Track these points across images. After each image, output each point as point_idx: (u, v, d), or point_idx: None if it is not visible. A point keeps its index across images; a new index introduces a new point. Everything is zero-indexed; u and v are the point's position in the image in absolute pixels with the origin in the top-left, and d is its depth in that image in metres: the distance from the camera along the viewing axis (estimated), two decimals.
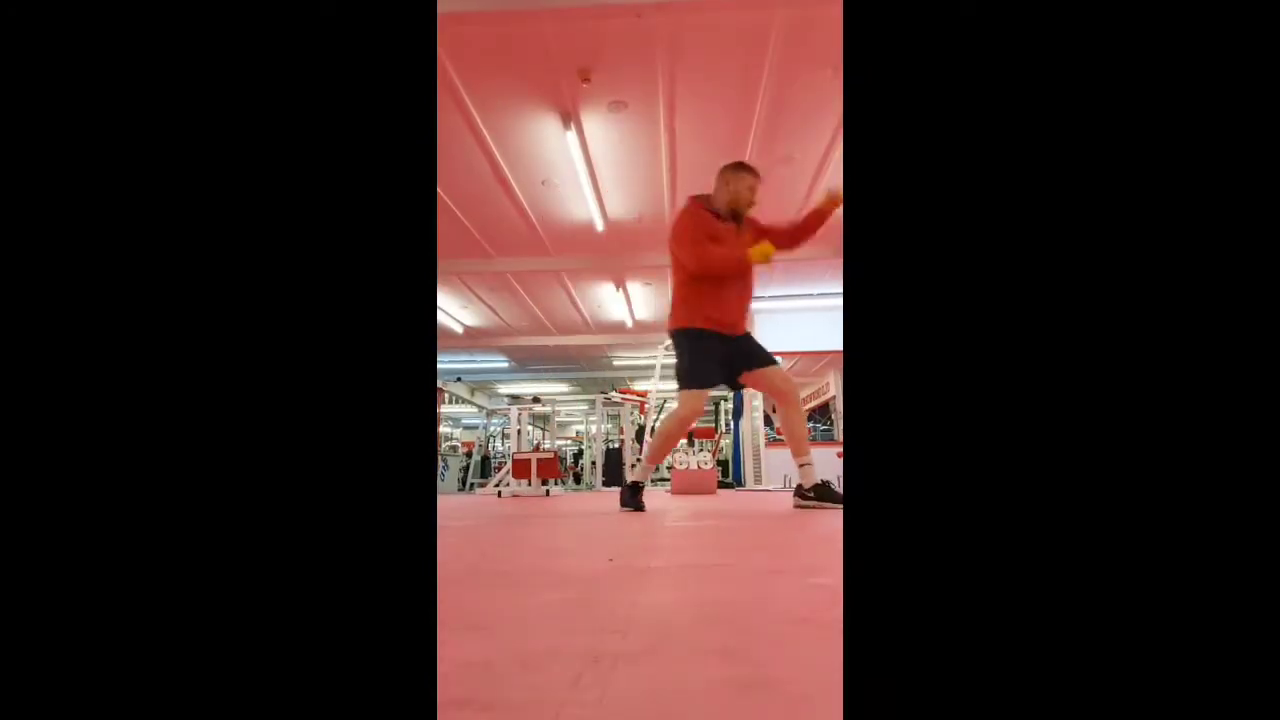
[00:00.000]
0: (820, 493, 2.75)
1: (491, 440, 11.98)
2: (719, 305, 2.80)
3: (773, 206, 4.32)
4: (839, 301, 8.32)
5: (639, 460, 2.88)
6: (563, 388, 16.02)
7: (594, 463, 9.29)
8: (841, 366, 8.06)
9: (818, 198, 2.77)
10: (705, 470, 5.76)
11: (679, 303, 2.84)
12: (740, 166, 2.85)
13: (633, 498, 2.91)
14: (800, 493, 2.81)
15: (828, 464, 5.05)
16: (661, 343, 8.30)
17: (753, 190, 2.82)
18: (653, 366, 7.48)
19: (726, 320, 2.81)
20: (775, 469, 6.97)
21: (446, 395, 13.15)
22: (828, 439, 7.93)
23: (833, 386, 8.18)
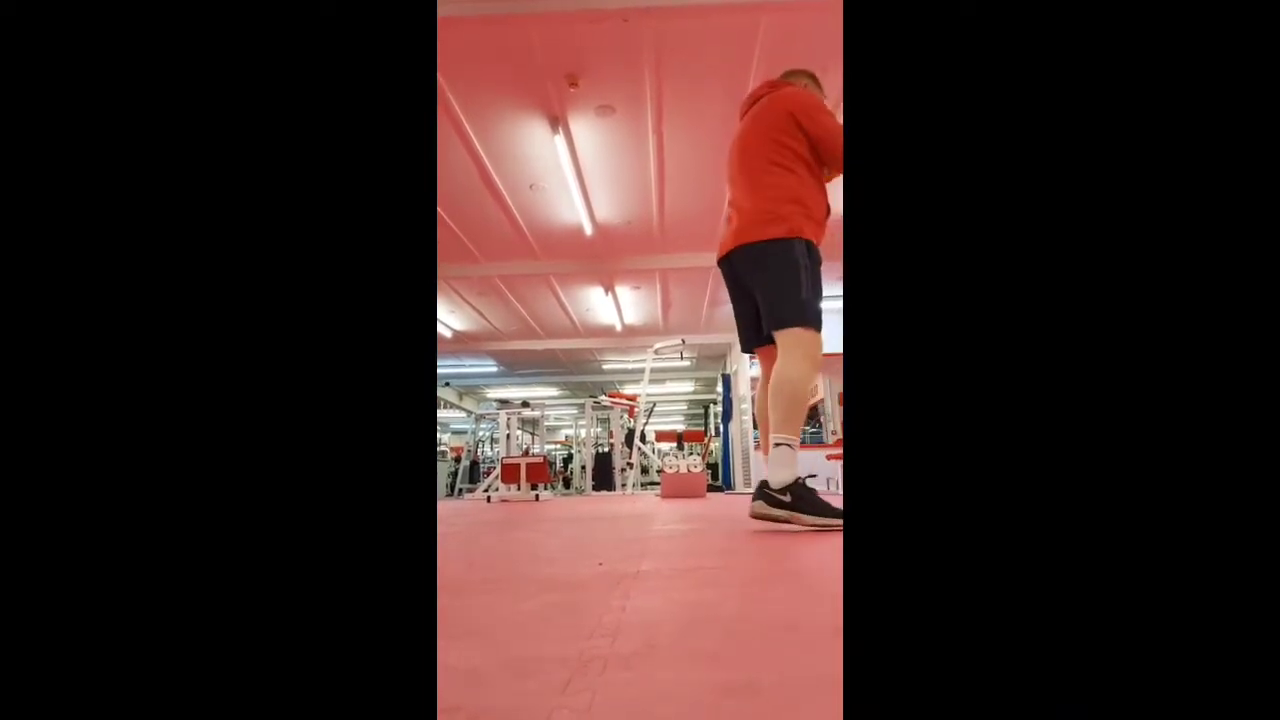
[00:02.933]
0: (800, 497, 1.72)
1: (480, 445, 11.93)
2: (823, 214, 2.00)
3: None
4: (829, 305, 8.34)
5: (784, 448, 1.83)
6: (552, 391, 16.00)
7: (584, 467, 9.26)
8: (830, 369, 8.09)
9: None
10: (695, 473, 5.76)
11: (796, 200, 1.94)
12: (814, 78, 2.21)
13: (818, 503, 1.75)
14: (768, 495, 1.75)
15: (818, 467, 5.05)
16: (650, 346, 8.30)
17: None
18: (642, 370, 7.46)
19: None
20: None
21: None
22: (817, 441, 7.95)
23: (821, 389, 8.21)
